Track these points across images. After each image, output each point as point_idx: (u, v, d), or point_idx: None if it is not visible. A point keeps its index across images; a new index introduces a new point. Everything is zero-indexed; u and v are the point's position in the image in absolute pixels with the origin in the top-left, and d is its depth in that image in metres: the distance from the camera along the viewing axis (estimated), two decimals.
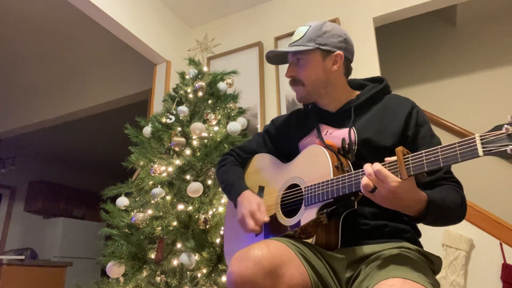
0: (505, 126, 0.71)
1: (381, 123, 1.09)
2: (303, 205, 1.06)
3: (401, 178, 0.83)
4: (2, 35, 3.47)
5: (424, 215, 0.90)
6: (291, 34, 2.79)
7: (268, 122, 2.63)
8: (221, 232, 1.83)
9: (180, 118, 2.12)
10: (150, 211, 1.88)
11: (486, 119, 3.12)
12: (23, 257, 4.10)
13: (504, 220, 2.03)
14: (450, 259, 1.99)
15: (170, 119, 2.14)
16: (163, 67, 2.99)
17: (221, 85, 2.26)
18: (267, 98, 2.77)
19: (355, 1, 2.69)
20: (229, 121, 2.16)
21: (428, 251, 1.03)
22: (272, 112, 2.72)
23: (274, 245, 0.90)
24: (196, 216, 1.82)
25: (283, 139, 1.29)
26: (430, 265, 0.98)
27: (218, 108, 2.20)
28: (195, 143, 2.06)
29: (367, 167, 0.86)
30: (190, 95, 2.21)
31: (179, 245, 1.82)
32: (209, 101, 2.20)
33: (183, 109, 2.12)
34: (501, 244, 1.96)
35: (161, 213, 1.86)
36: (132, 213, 1.90)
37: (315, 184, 1.03)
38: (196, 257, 1.76)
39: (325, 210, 0.97)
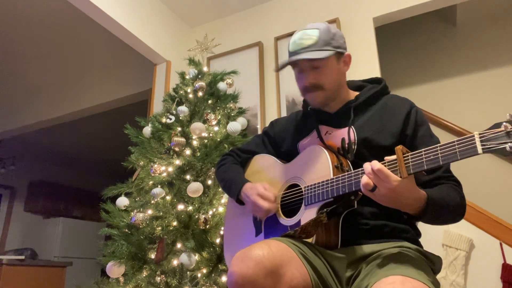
0: (504, 124, 0.71)
1: (380, 123, 1.09)
2: (303, 204, 1.06)
3: (400, 177, 0.84)
4: (2, 35, 3.47)
5: (423, 213, 0.91)
6: (291, 34, 2.79)
7: (268, 122, 2.66)
8: (221, 232, 1.83)
9: (180, 118, 2.12)
10: (150, 211, 1.88)
11: (486, 119, 3.12)
12: (23, 257, 4.10)
13: (504, 220, 2.03)
14: (450, 259, 1.99)
15: (170, 119, 2.14)
16: (163, 67, 2.99)
17: (221, 85, 2.26)
18: (267, 98, 2.77)
19: (355, 1, 2.69)
20: (229, 121, 2.16)
21: (428, 251, 1.03)
22: (272, 112, 2.72)
23: (275, 244, 0.90)
24: (196, 216, 1.82)
25: (282, 140, 1.29)
26: (430, 265, 0.98)
27: (218, 108, 2.20)
28: (195, 143, 2.06)
29: (367, 166, 0.86)
30: (190, 95, 2.21)
31: (179, 245, 1.82)
32: (209, 101, 2.20)
33: (183, 109, 2.12)
34: (501, 244, 1.96)
35: (161, 213, 1.86)
36: (132, 213, 1.90)
37: (315, 184, 1.04)
38: (196, 257, 1.76)
39: (325, 210, 0.97)
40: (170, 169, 1.97)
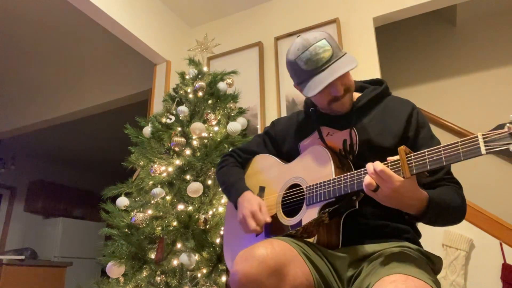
0: (508, 125, 0.72)
1: (382, 124, 1.10)
2: (304, 204, 1.06)
3: (403, 177, 0.84)
4: (2, 35, 3.47)
5: (424, 214, 0.91)
6: (291, 34, 2.79)
7: (268, 122, 2.66)
8: (221, 232, 1.83)
9: (180, 118, 2.12)
10: (150, 211, 1.88)
11: (486, 119, 3.12)
12: (23, 257, 4.10)
13: (504, 220, 2.04)
14: (450, 259, 1.99)
15: (170, 119, 2.14)
16: (163, 67, 2.99)
17: (221, 85, 2.26)
18: (267, 98, 2.77)
19: (355, 1, 2.69)
20: (229, 121, 2.16)
21: (428, 251, 1.03)
22: (272, 112, 2.72)
23: (278, 244, 0.90)
24: (196, 216, 1.82)
25: (284, 140, 1.29)
26: (431, 265, 0.99)
27: (218, 108, 2.20)
28: (195, 143, 2.06)
29: (370, 166, 0.87)
30: (190, 95, 2.21)
31: (179, 245, 1.82)
32: (209, 101, 2.20)
33: (183, 109, 2.12)
34: (501, 244, 1.96)
35: (161, 213, 1.86)
36: (132, 213, 1.90)
37: (317, 184, 1.04)
38: (196, 257, 1.76)
39: (327, 210, 0.98)
40: (170, 169, 1.97)
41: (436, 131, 1.14)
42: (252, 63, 2.88)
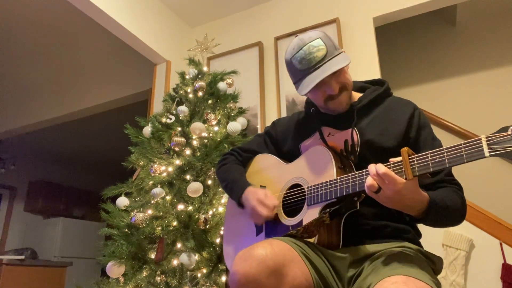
0: (511, 128, 0.72)
1: (383, 125, 1.10)
2: (305, 204, 1.06)
3: (405, 179, 0.84)
4: (2, 35, 3.47)
5: (425, 216, 0.92)
6: (291, 34, 2.79)
7: (268, 122, 2.66)
8: (221, 232, 1.83)
9: (180, 118, 2.12)
10: (150, 211, 1.88)
11: (486, 119, 3.12)
12: (23, 257, 4.10)
13: (504, 220, 2.03)
14: (450, 259, 1.99)
15: (170, 119, 2.14)
16: (163, 67, 2.99)
17: (221, 85, 2.26)
18: (267, 98, 2.77)
19: (355, 1, 2.69)
20: (229, 121, 2.16)
21: (428, 251, 1.03)
22: (272, 112, 2.72)
23: (277, 244, 0.90)
24: (196, 216, 1.82)
25: (284, 140, 1.29)
26: (431, 265, 0.99)
27: (218, 108, 2.20)
28: (195, 143, 2.06)
29: (372, 168, 0.87)
30: (190, 95, 2.21)
31: (179, 245, 1.82)
32: (209, 101, 2.20)
33: (183, 109, 2.12)
34: (501, 244, 1.96)
35: (161, 213, 1.86)
36: (132, 213, 1.90)
37: (318, 184, 1.04)
38: (196, 257, 1.76)
39: (327, 210, 0.97)
40: (170, 169, 1.97)
41: (435, 131, 1.14)
42: (252, 63, 2.88)
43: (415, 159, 0.84)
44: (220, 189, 1.93)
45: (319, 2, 2.83)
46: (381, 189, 0.85)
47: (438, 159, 0.81)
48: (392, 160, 0.88)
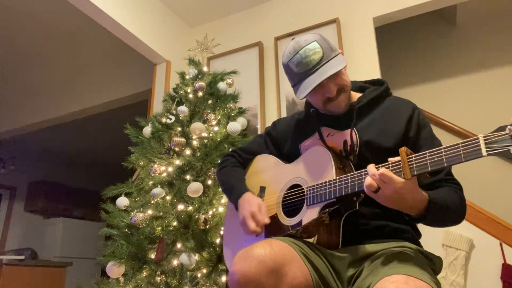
0: (509, 127, 0.72)
1: (382, 125, 1.10)
2: (304, 205, 1.06)
3: (404, 178, 0.84)
4: (2, 35, 3.47)
5: (424, 215, 0.92)
6: (291, 34, 2.79)
7: (268, 122, 2.66)
8: (221, 232, 1.83)
9: (180, 118, 2.12)
10: (150, 211, 1.88)
11: (486, 119, 3.12)
12: (23, 257, 4.10)
13: (504, 220, 2.03)
14: (450, 259, 1.99)
15: (170, 119, 2.14)
16: (163, 67, 2.99)
17: (221, 85, 2.26)
18: (267, 98, 2.77)
19: (355, 1, 2.69)
20: (229, 121, 2.16)
21: (428, 251, 1.03)
22: (272, 112, 2.72)
23: (276, 244, 0.90)
24: (196, 216, 1.82)
25: (284, 141, 1.29)
26: (431, 265, 0.99)
27: (218, 108, 2.20)
28: (195, 143, 2.06)
29: (371, 168, 0.87)
30: (190, 95, 2.21)
31: (179, 245, 1.82)
32: (209, 101, 2.20)
33: (183, 109, 2.12)
34: (501, 244, 1.96)
35: (161, 213, 1.87)
36: (132, 213, 1.90)
37: (317, 184, 1.04)
38: (196, 257, 1.76)
39: (327, 210, 0.98)
40: (170, 169, 1.97)
41: (435, 131, 1.14)
42: (252, 63, 2.88)
43: (414, 158, 0.85)
44: (220, 190, 1.93)
45: (319, 2, 2.83)
46: (380, 189, 0.86)
47: (436, 159, 0.81)
48: (391, 159, 0.89)
